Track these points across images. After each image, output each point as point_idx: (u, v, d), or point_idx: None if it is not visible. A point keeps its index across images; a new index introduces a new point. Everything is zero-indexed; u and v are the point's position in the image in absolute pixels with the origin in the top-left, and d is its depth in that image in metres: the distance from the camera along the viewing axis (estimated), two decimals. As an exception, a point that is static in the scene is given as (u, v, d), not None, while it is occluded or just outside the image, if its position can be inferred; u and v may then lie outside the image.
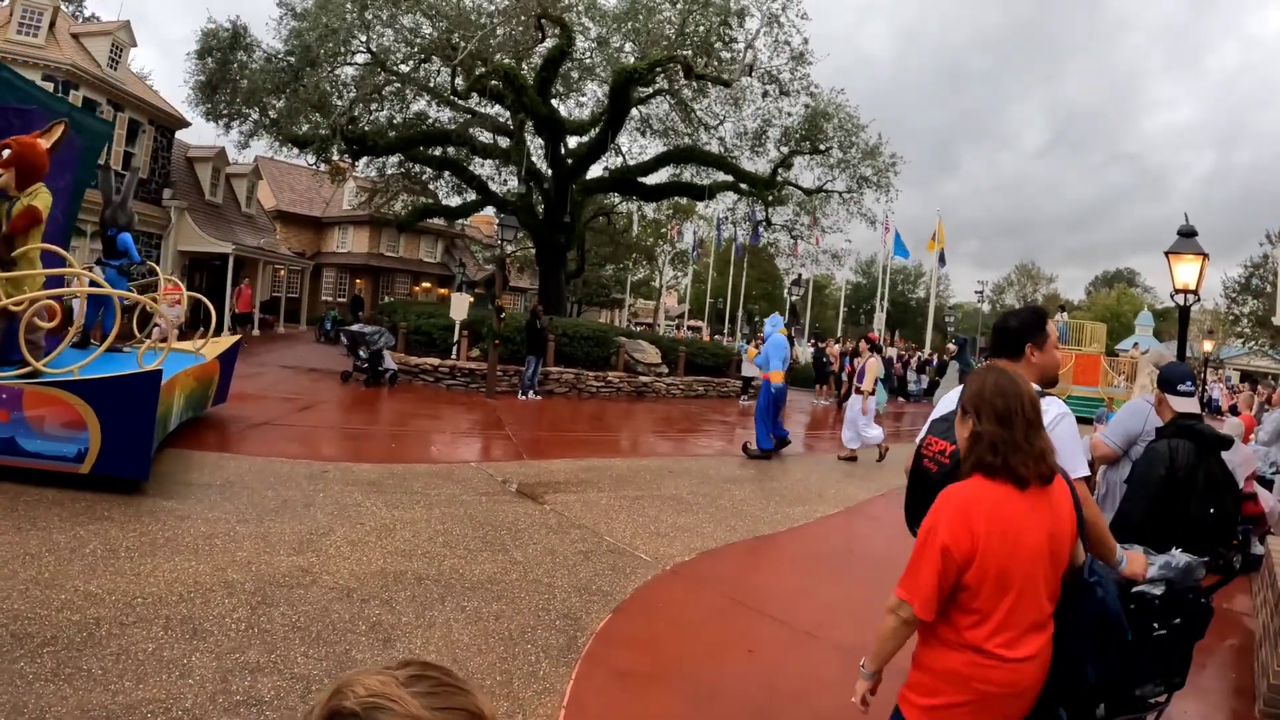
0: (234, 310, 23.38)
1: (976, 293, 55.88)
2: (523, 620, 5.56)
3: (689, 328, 61.39)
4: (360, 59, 23.85)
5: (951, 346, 14.19)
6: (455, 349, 20.51)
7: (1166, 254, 9.14)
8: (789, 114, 25.81)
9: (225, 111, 24.41)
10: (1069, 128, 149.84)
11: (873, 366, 14.48)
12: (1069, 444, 3.18)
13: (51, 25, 23.99)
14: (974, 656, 2.66)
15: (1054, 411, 3.22)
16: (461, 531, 7.45)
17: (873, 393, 14.39)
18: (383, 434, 12.95)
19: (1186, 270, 9.01)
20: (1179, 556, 3.58)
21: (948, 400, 3.58)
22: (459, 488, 9.14)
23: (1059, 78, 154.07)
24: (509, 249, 27.25)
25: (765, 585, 7.17)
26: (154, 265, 14.05)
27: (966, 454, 2.82)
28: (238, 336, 14.74)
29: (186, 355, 10.96)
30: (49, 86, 22.78)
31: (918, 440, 3.50)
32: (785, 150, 26.61)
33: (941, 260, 41.36)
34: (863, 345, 15.56)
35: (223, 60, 23.67)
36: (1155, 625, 3.47)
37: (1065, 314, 35.46)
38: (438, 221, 38.10)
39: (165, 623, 4.98)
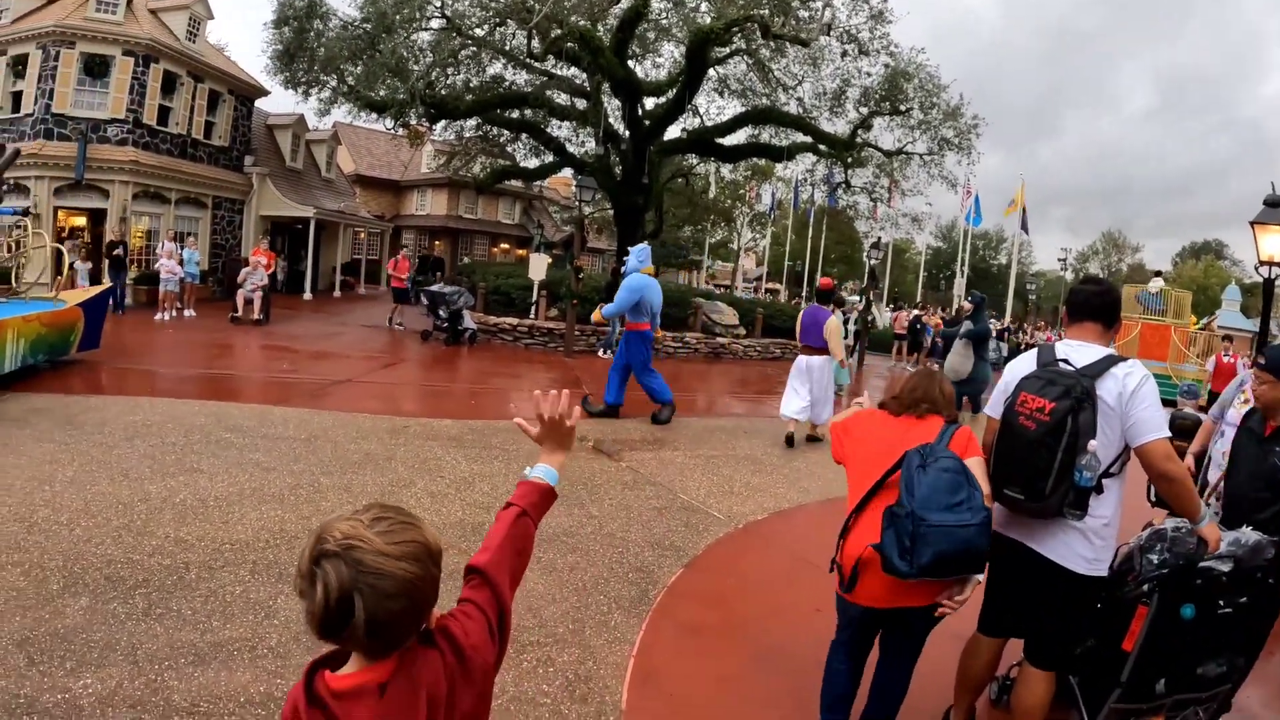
0: (390, 280, 23.21)
1: (1060, 260, 54.52)
2: (596, 572, 5.70)
3: (766, 290, 60.95)
4: (436, 24, 23.90)
5: (967, 304, 13.29)
6: (534, 309, 20.74)
7: (1252, 224, 8.83)
8: (868, 74, 25.16)
9: (303, 79, 24.70)
10: (1176, 92, 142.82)
11: (833, 327, 10.92)
12: (1151, 406, 3.27)
13: (129, 2, 24.53)
14: None
15: (1138, 374, 3.31)
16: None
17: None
18: (462, 391, 13.16)
19: (1273, 241, 8.71)
20: (1249, 534, 3.55)
21: (1025, 361, 3.62)
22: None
23: (1170, 39, 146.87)
24: (587, 210, 27.29)
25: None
26: (26, 221, 14.53)
27: None
28: (106, 285, 15.19)
29: (37, 302, 11.65)
30: (129, 62, 23.52)
31: (1004, 401, 3.51)
32: (864, 111, 25.99)
33: (1024, 226, 40.26)
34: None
35: (299, 29, 23.93)
36: (1220, 602, 3.46)
37: (1162, 280, 34.11)
38: (515, 183, 38.27)
39: (252, 567, 5.23)
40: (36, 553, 5.21)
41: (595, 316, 11.66)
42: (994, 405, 3.70)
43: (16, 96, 24.03)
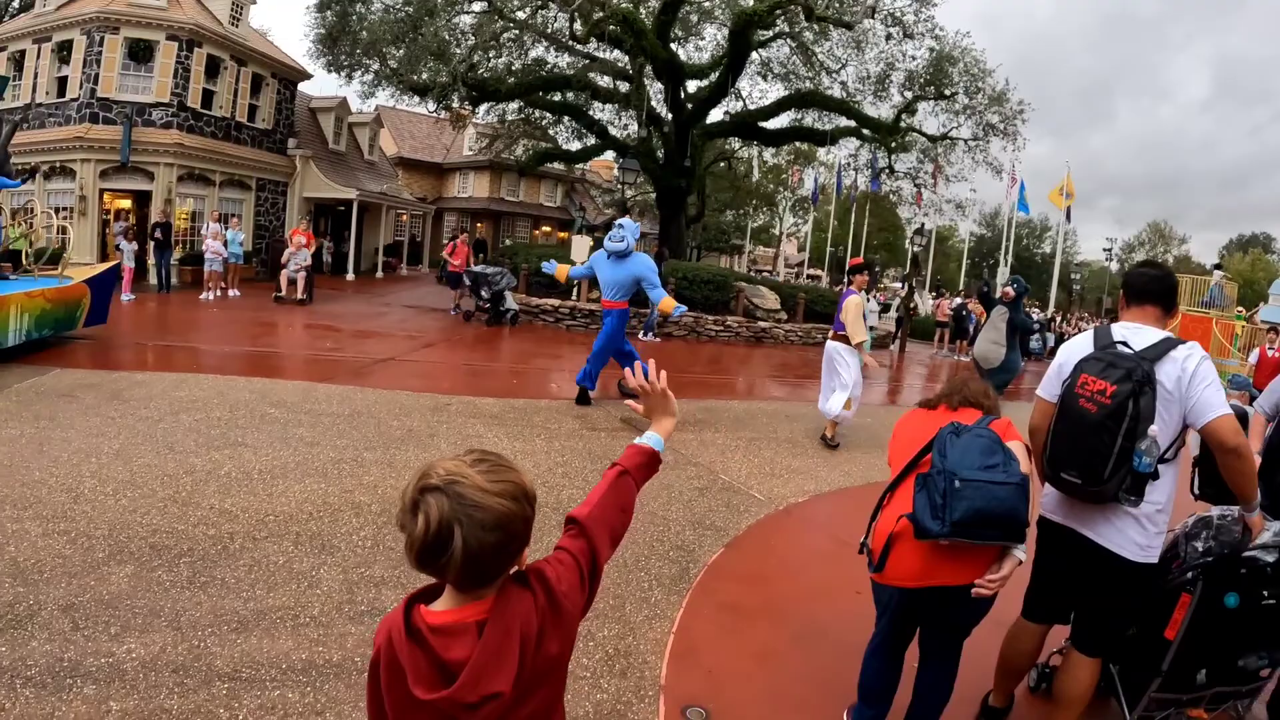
0: (445, 265, 22.96)
1: (1105, 250, 53.59)
2: (637, 550, 5.69)
3: (808, 276, 60.60)
4: (478, 6, 23.97)
5: (1010, 290, 12.86)
6: (575, 290, 20.75)
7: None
8: (913, 57, 24.89)
9: (346, 62, 24.91)
10: (1231, 82, 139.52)
11: (853, 306, 9.74)
12: (1213, 384, 3.21)
13: None
14: None
15: (1197, 355, 3.26)
16: (580, 464, 7.63)
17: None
18: (504, 370, 13.20)
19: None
20: None
21: (1081, 342, 3.53)
22: (578, 423, 9.30)
23: (1227, 27, 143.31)
24: (629, 193, 27.21)
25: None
26: (35, 202, 14.85)
27: None
28: (115, 263, 15.52)
29: (45, 279, 11.95)
30: (173, 47, 23.73)
31: (1063, 383, 3.42)
32: (909, 95, 25.71)
33: (1068, 215, 39.48)
34: (858, 279, 10.28)
35: (342, 13, 24.12)
36: (1265, 593, 3.40)
37: (1223, 273, 33.22)
38: (557, 166, 38.29)
39: (295, 538, 5.27)
40: (83, 522, 5.28)
41: (666, 307, 10.48)
42: (1047, 387, 3.61)
43: (62, 81, 24.38)
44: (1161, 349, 3.26)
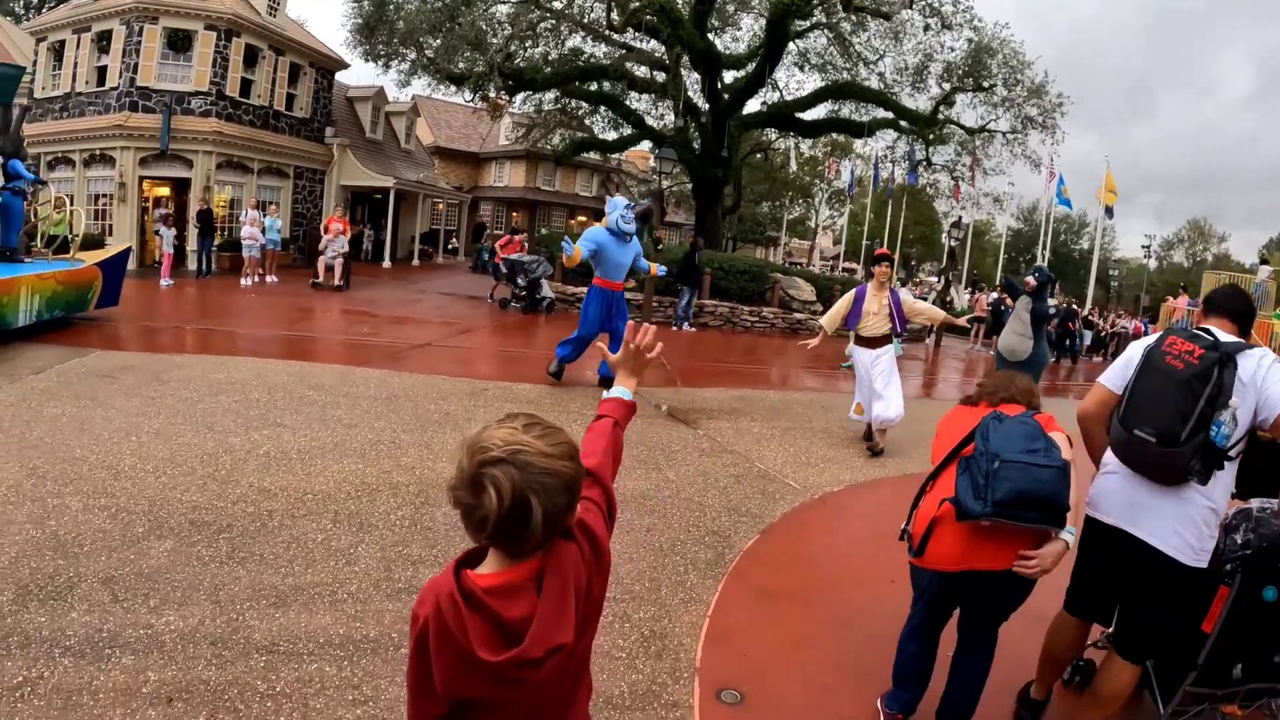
0: (492, 254, 22.81)
1: (1144, 247, 52.86)
2: (673, 534, 5.67)
3: (844, 269, 60.26)
4: (514, -4, 24.04)
5: (1032, 280, 12.39)
6: (613, 278, 20.77)
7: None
8: (951, 49, 24.67)
9: (383, 52, 25.07)
10: (1278, 77, 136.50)
11: (909, 298, 9.47)
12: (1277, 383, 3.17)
13: None
14: None
15: (1271, 356, 3.24)
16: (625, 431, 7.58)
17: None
18: (539, 357, 13.20)
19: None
20: None
21: (1152, 337, 3.50)
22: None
23: (1274, 22, 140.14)
24: (665, 183, 27.17)
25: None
26: (50, 188, 15.23)
27: None
28: (126, 246, 15.55)
29: (59, 262, 12.29)
30: (211, 36, 23.99)
31: (1142, 353, 3.37)
32: (947, 87, 25.50)
33: (1109, 212, 38.82)
34: (879, 270, 9.21)
35: (379, 2, 24.28)
36: None
37: (1269, 267, 32.40)
38: (593, 156, 38.35)
39: (334, 517, 5.31)
40: (124, 498, 5.33)
41: (655, 271, 11.08)
42: (1113, 376, 3.52)
43: (102, 71, 24.71)
44: (1240, 346, 3.22)
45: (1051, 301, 28.51)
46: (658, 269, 11.48)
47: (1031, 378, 12.11)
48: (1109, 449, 3.49)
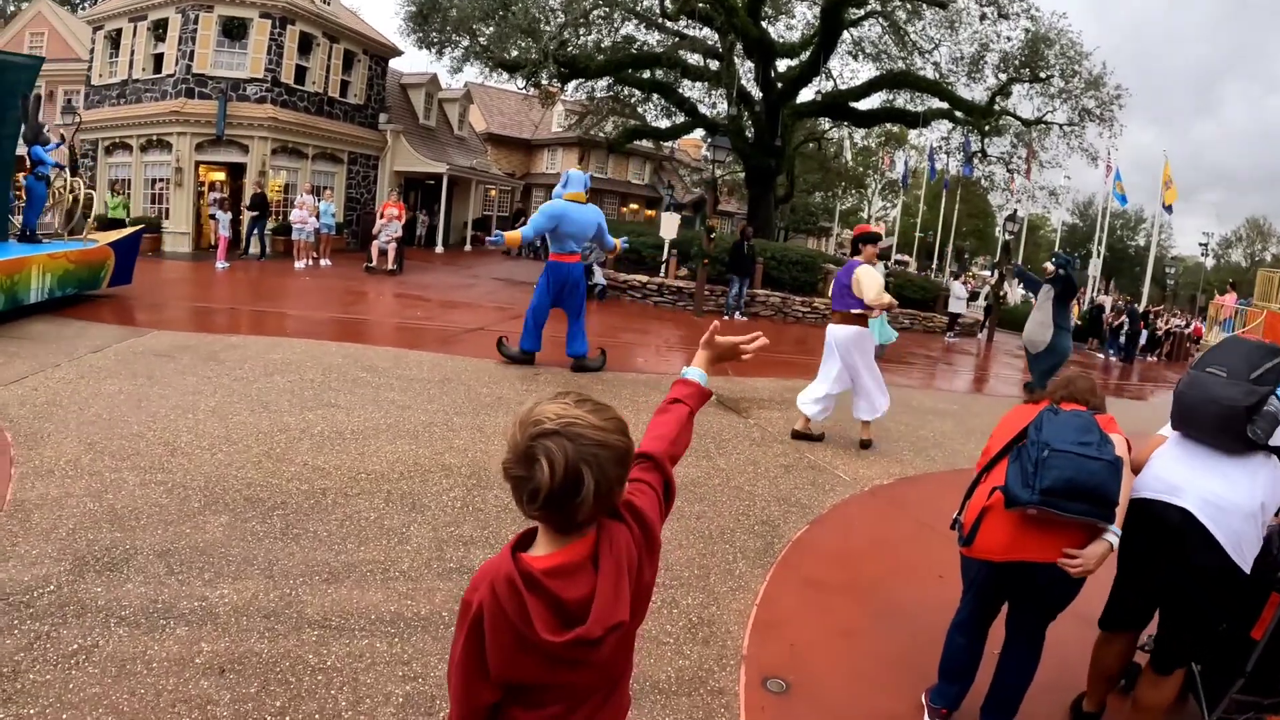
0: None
1: (1201, 245, 51.68)
2: (723, 522, 5.66)
3: (896, 261, 59.74)
4: (567, -17, 24.03)
5: (1050, 266, 11.81)
6: (664, 267, 20.74)
7: None
8: (1008, 38, 24.25)
9: (436, 39, 25.20)
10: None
11: (869, 279, 7.93)
12: None
13: None
14: None
15: None
16: (669, 435, 7.56)
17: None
18: (592, 343, 13.21)
19: None
20: None
21: None
22: (665, 397, 9.26)
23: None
24: (718, 172, 27.06)
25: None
26: (65, 171, 15.81)
27: None
28: (140, 227, 16.12)
29: (73, 242, 12.91)
30: (266, 24, 24.25)
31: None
32: (1003, 77, 25.07)
33: (1167, 208, 37.81)
34: (868, 250, 8.29)
35: (432, -10, 24.42)
36: None
37: None
38: (645, 144, 38.26)
39: (386, 496, 5.36)
40: (179, 474, 5.42)
41: (512, 239, 10.02)
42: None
43: (158, 58, 25.07)
44: None
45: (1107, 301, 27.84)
46: (621, 243, 11.21)
47: (1041, 368, 11.76)
48: (1168, 424, 3.48)
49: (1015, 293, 35.17)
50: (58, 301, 11.56)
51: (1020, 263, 18.96)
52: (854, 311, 8.02)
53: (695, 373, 2.32)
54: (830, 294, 8.44)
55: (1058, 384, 3.68)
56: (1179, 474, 3.27)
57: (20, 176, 12.71)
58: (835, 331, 8.19)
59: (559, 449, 1.46)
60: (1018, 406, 3.71)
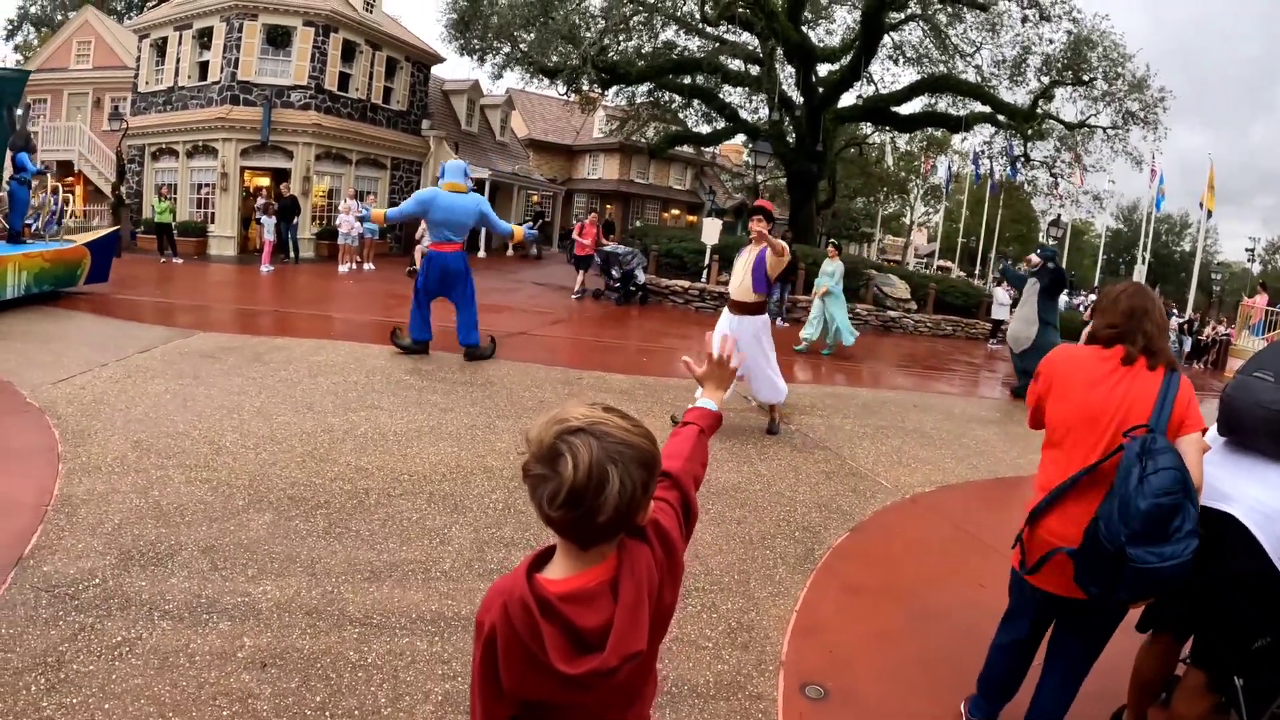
0: (575, 247, 22.41)
1: (1247, 250, 50.76)
2: (763, 528, 5.63)
3: (938, 267, 59.25)
4: (607, -11, 24.12)
5: (1035, 258, 11.43)
6: (705, 273, 20.71)
7: None
8: (1049, 40, 23.89)
9: (478, 46, 25.41)
10: None
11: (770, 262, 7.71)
12: None
13: None
14: None
15: None
16: (709, 441, 7.53)
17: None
18: (633, 349, 13.28)
19: None
20: None
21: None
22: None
23: None
24: (760, 177, 27.01)
25: (1003, 525, 6.90)
26: (46, 172, 16.70)
27: None
28: (115, 228, 17.15)
29: (52, 242, 13.57)
30: (309, 32, 24.73)
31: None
32: (1046, 80, 24.76)
33: (1208, 213, 37.01)
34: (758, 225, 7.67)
35: (473, -2, 24.63)
36: None
37: None
38: (687, 149, 38.29)
39: (429, 497, 5.39)
40: (224, 472, 5.49)
41: (376, 217, 10.09)
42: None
43: (204, 66, 25.66)
44: None
45: (1175, 320, 27.38)
46: (524, 232, 10.76)
47: (1024, 367, 11.26)
48: (1213, 426, 3.35)
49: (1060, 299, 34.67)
50: (40, 297, 12.18)
51: (1010, 263, 18.69)
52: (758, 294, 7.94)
53: (703, 402, 2.32)
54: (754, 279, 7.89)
55: (1135, 322, 3.16)
56: (1226, 480, 3.17)
57: (4, 181, 13.33)
58: (737, 319, 8.02)
59: (585, 445, 1.43)
60: (1081, 356, 3.26)
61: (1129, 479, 2.83)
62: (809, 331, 14.78)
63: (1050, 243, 32.76)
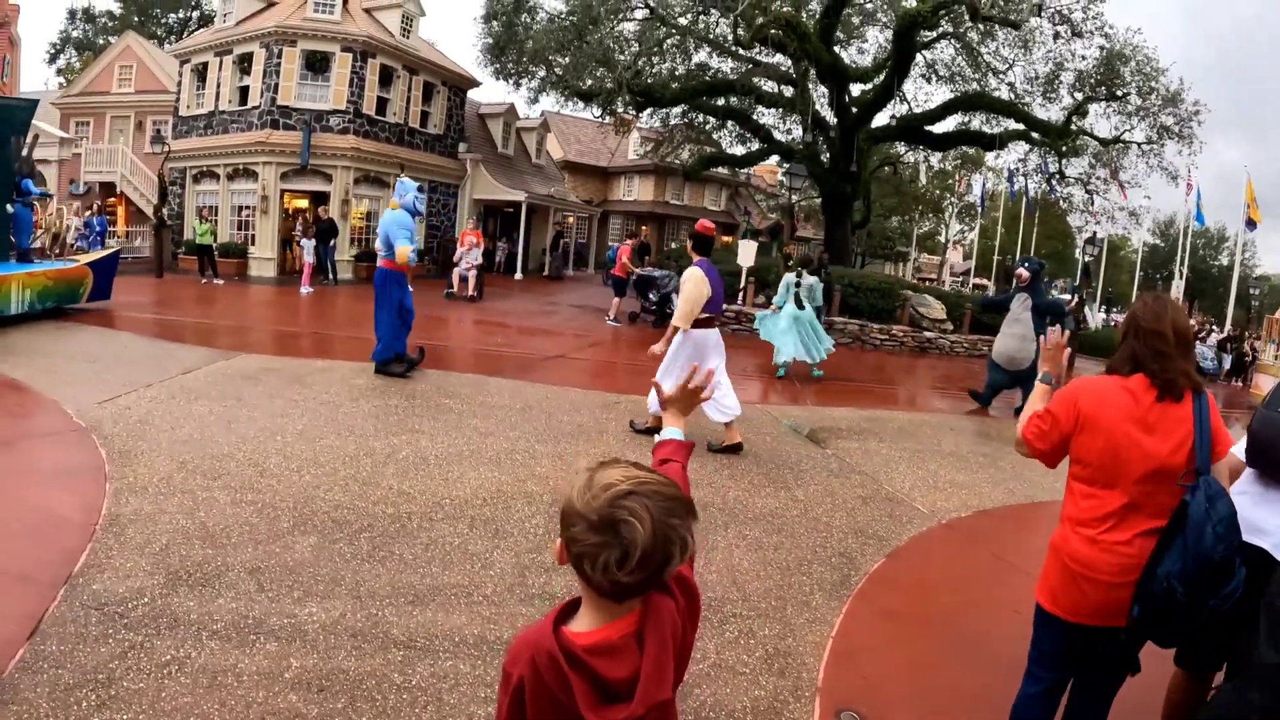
0: (610, 271, 21.96)
1: (1286, 262, 49.88)
2: (800, 554, 5.64)
3: (974, 285, 58.83)
4: (640, 14, 24.36)
5: (1024, 271, 11.19)
6: (741, 295, 20.68)
7: None
8: (1082, 56, 23.75)
9: (513, 70, 25.82)
10: None
11: (688, 288, 8.02)
12: None
13: (345, 3, 26.31)
14: None
15: None
16: (745, 466, 7.62)
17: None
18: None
19: None
20: None
21: None
22: (744, 426, 9.21)
23: None
24: (794, 198, 27.02)
25: (1039, 551, 6.84)
26: (51, 195, 17.59)
27: None
28: (116, 249, 17.72)
29: (56, 261, 14.73)
30: (347, 58, 25.16)
31: None
32: (1079, 96, 24.59)
33: (1250, 224, 36.48)
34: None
35: (508, 23, 25.08)
36: None
37: None
38: (721, 170, 38.42)
39: (470, 522, 5.46)
40: (269, 494, 5.59)
41: (402, 257, 10.12)
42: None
43: (244, 91, 26.13)
44: None
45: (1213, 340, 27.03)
46: (409, 254, 10.33)
47: (1025, 390, 11.04)
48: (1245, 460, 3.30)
49: (1097, 316, 34.38)
50: (44, 313, 12.64)
51: (1079, 284, 18.37)
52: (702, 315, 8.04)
53: (671, 432, 2.31)
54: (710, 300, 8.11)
55: (1180, 354, 3.00)
56: (1257, 512, 3.16)
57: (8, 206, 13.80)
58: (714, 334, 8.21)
59: (642, 507, 1.43)
60: (1108, 391, 3.07)
61: (1202, 537, 2.74)
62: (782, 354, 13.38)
63: (1086, 259, 32.51)
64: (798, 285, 13.49)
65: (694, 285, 7.84)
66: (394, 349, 10.30)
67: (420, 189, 10.64)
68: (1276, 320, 26.01)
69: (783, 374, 13.42)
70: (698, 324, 8.00)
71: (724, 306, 19.97)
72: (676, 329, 7.95)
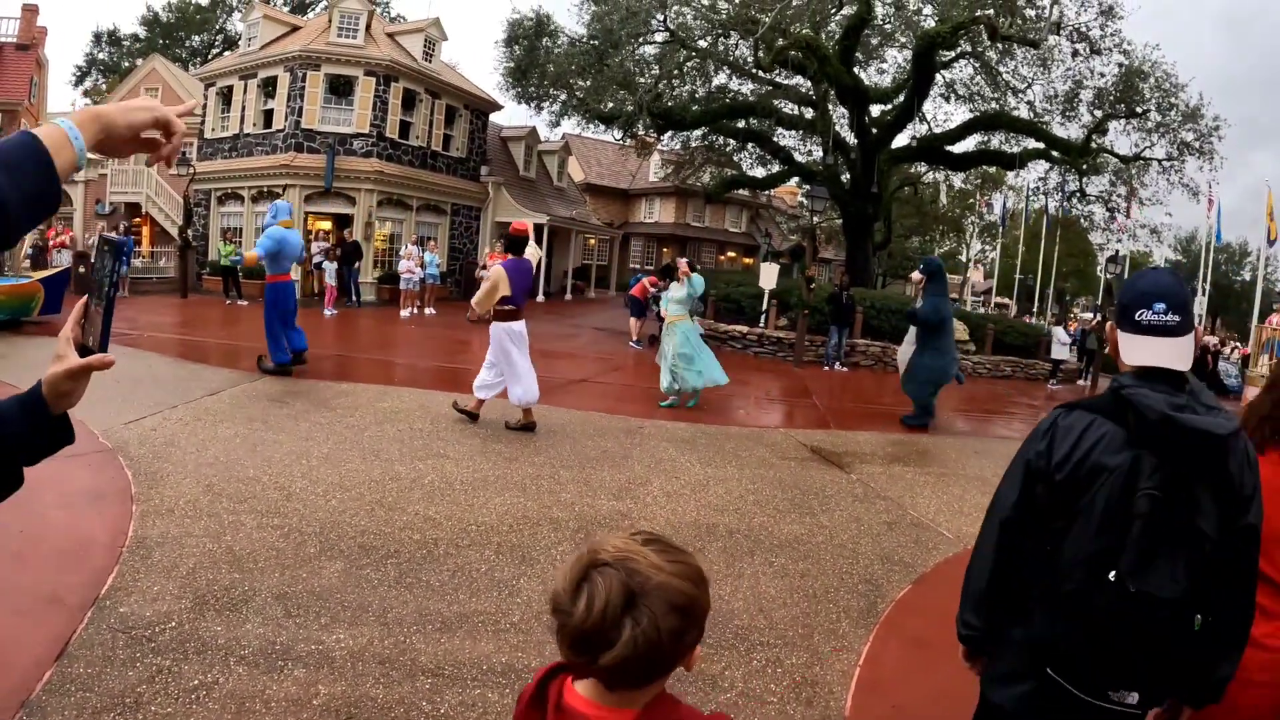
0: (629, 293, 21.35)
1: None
2: (826, 581, 5.59)
3: (995, 305, 58.52)
4: (660, 38, 24.48)
5: (917, 274, 10.77)
6: (764, 317, 20.64)
7: None
8: (1101, 74, 23.73)
9: (534, 94, 26.06)
10: None
11: (486, 281, 9.17)
12: None
13: (368, 27, 26.62)
14: None
15: None
16: (771, 492, 7.58)
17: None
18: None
19: None
20: None
21: None
22: (768, 451, 9.22)
23: None
24: (815, 219, 27.02)
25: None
26: None
27: None
28: (65, 267, 18.95)
29: (8, 278, 15.27)
30: (371, 82, 25.40)
31: None
32: (1099, 114, 24.52)
33: (1271, 241, 36.09)
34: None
35: (529, 47, 25.33)
36: None
37: None
38: (742, 192, 38.49)
39: (496, 548, 5.45)
40: (295, 519, 5.61)
41: (250, 258, 11.47)
42: None
43: (268, 114, 26.50)
44: None
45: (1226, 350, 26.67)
46: (254, 260, 11.45)
47: (910, 395, 10.80)
48: None
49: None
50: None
51: (1101, 303, 18.34)
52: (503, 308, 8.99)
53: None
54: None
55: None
56: None
57: None
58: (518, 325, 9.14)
59: (605, 582, 1.28)
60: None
61: None
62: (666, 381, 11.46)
63: (1107, 277, 32.27)
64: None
65: (491, 280, 8.90)
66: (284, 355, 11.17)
67: (290, 211, 12.21)
68: (1266, 329, 25.71)
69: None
70: (504, 316, 8.99)
71: (760, 330, 19.97)
72: (472, 306, 9.23)
